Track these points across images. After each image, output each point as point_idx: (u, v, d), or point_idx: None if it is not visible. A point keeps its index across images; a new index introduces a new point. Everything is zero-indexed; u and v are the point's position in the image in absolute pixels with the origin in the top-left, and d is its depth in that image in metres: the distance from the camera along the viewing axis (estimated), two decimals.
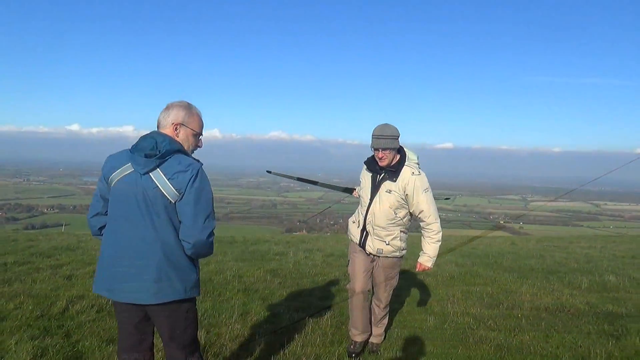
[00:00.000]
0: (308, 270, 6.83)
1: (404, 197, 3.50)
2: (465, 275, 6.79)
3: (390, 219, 3.55)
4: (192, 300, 2.44)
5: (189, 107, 2.45)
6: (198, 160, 2.40)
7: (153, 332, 2.53)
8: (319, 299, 5.26)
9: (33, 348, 3.40)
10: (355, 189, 4.10)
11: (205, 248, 2.33)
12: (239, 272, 6.43)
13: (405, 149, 3.63)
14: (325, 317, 4.53)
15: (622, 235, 21.11)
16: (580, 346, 3.91)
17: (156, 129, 2.44)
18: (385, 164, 3.52)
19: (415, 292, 5.66)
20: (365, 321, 3.74)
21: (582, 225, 68.07)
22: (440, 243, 3.57)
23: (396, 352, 3.83)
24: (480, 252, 9.75)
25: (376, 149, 3.49)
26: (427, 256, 3.59)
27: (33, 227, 36.98)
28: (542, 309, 5.06)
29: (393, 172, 3.53)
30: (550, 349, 3.85)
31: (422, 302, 5.24)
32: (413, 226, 3.86)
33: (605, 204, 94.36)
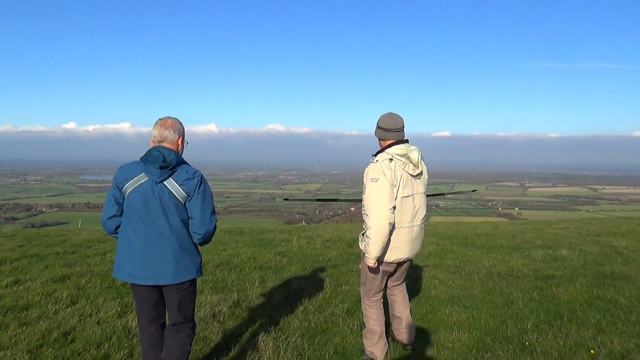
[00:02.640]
0: (310, 252, 8.19)
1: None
2: (441, 252, 8.16)
3: (363, 207, 3.49)
4: (196, 280, 3.04)
5: (181, 122, 3.00)
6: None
7: (165, 309, 3.07)
8: (320, 271, 6.61)
9: (117, 304, 4.77)
10: None
11: (211, 237, 2.94)
12: (253, 255, 7.76)
13: (395, 142, 3.46)
14: (326, 282, 5.91)
15: (603, 218, 22.47)
16: (512, 295, 5.30)
17: (158, 142, 2.90)
18: None
19: None
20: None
21: (580, 210, 69.39)
22: (371, 240, 3.29)
23: None
24: (462, 234, 11.12)
25: None
26: (366, 253, 3.42)
27: (33, 226, 36.09)
28: (495, 274, 6.43)
29: None
30: (489, 297, 5.24)
31: None
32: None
33: (604, 188, 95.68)
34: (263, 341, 3.93)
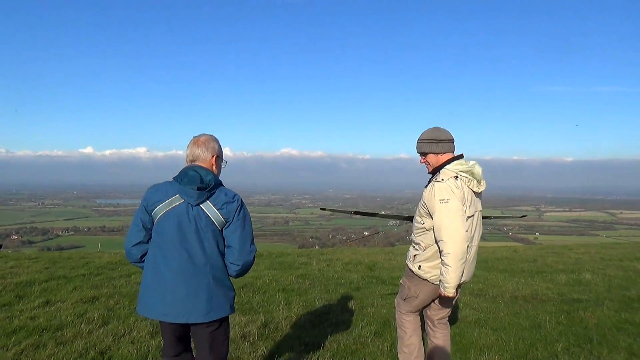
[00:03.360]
0: (332, 275, 8.21)
1: (424, 205, 3.18)
2: None
3: (418, 228, 3.29)
4: (228, 317, 2.72)
5: (217, 140, 2.74)
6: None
7: (191, 338, 2.80)
8: (343, 293, 6.65)
9: (149, 324, 4.86)
10: None
11: (249, 269, 2.65)
12: (275, 277, 7.82)
13: (457, 158, 3.25)
14: (350, 304, 5.94)
15: (623, 243, 22.12)
16: (539, 318, 5.28)
17: (191, 162, 2.67)
18: (429, 171, 3.33)
19: None
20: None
21: (598, 235, 68.20)
22: (451, 267, 2.96)
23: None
24: (481, 258, 11.05)
25: None
26: (443, 282, 3.06)
27: (49, 250, 35.77)
28: (520, 297, 6.41)
29: (430, 179, 3.28)
30: (516, 320, 5.23)
31: None
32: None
33: (622, 213, 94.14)
34: None
